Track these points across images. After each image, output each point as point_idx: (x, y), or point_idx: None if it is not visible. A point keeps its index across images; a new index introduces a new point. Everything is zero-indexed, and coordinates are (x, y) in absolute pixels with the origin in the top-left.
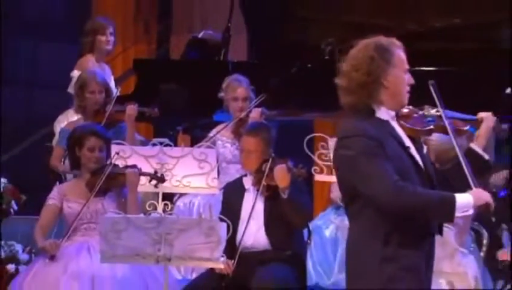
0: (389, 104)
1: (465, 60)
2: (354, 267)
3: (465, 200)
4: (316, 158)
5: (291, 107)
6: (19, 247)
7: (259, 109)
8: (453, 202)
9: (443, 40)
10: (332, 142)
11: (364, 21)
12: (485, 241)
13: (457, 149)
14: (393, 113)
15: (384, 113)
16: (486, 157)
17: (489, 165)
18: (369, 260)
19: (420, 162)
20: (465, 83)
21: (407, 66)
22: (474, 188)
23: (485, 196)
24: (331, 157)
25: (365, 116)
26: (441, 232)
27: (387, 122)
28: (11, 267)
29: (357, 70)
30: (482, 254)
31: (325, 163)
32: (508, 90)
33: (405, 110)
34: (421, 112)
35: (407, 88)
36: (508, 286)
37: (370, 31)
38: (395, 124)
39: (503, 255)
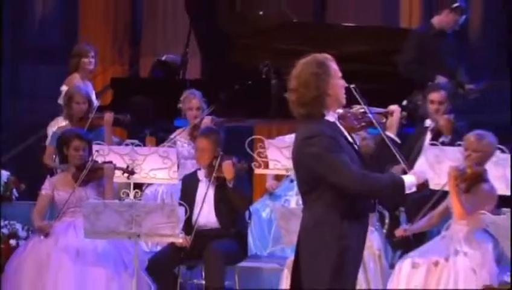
0: (333, 107)
1: (372, 78)
2: (315, 241)
3: (410, 180)
4: (255, 155)
5: (235, 115)
6: (18, 226)
7: (210, 117)
8: (402, 182)
9: (356, 63)
10: (267, 142)
11: (293, 48)
12: (386, 221)
13: (384, 133)
14: (336, 115)
15: (331, 116)
16: (399, 141)
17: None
18: (329, 235)
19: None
20: (372, 96)
21: (340, 74)
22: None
23: (422, 175)
24: (267, 155)
25: (317, 120)
26: (374, 210)
27: (334, 123)
28: (12, 242)
29: (306, 87)
30: (384, 231)
31: (263, 159)
32: (404, 102)
33: (341, 112)
34: (351, 110)
35: (343, 90)
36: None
37: (298, 55)
38: (339, 124)
39: (399, 232)
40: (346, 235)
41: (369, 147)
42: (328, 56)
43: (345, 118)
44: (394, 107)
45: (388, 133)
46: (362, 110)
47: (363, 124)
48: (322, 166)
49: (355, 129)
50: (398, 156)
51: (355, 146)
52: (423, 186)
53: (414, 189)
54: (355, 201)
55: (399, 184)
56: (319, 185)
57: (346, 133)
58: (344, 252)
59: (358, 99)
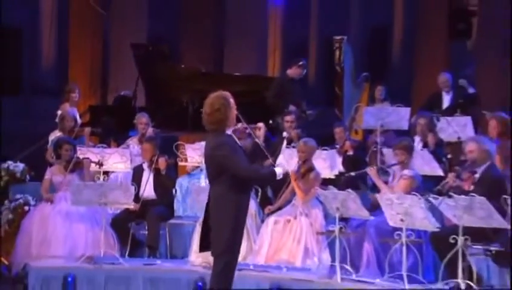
0: (230, 126)
1: (250, 106)
2: (219, 211)
3: (279, 171)
4: (179, 154)
5: (167, 129)
6: (30, 198)
7: (152, 129)
8: (275, 173)
9: (240, 96)
10: (187, 146)
11: (202, 87)
12: (259, 194)
13: (257, 140)
14: (231, 130)
15: (228, 131)
16: (263, 145)
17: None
18: (229, 206)
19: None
20: (250, 117)
21: (235, 106)
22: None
23: (285, 168)
24: (188, 154)
25: (221, 133)
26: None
27: (231, 135)
28: (26, 207)
29: (216, 112)
30: (258, 200)
31: (185, 156)
32: (270, 121)
33: (232, 128)
34: (238, 127)
35: (235, 116)
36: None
37: (206, 92)
38: (233, 136)
39: (266, 210)
40: (239, 204)
41: (248, 148)
42: (229, 94)
43: (235, 132)
44: (261, 124)
45: (258, 140)
46: (244, 126)
47: (244, 135)
48: (227, 163)
49: (241, 139)
50: (267, 154)
51: (242, 149)
52: (287, 174)
53: (281, 177)
54: (245, 183)
55: (273, 174)
56: (222, 173)
57: (237, 141)
58: (239, 214)
59: (242, 120)
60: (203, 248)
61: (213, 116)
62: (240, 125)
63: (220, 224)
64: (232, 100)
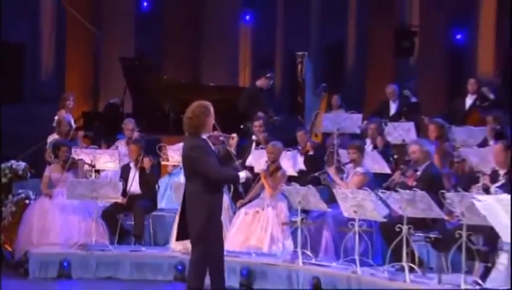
0: (206, 131)
1: (224, 113)
2: (194, 208)
3: (242, 175)
4: (161, 155)
5: (151, 132)
6: (30, 193)
7: (138, 133)
8: (239, 177)
9: (216, 105)
10: (168, 147)
11: (182, 96)
12: (231, 189)
13: (228, 148)
14: (206, 135)
15: (204, 136)
16: (235, 153)
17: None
18: (204, 203)
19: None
20: (224, 123)
21: (214, 115)
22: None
23: (248, 173)
24: (169, 155)
25: (198, 137)
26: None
27: (205, 140)
28: (27, 201)
29: (196, 118)
30: (230, 194)
31: (166, 157)
32: (242, 126)
33: (208, 134)
34: (213, 134)
35: (212, 124)
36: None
37: (186, 101)
38: (208, 141)
39: (239, 203)
40: (212, 200)
41: (220, 153)
42: (210, 104)
43: (210, 138)
44: (234, 135)
45: (229, 148)
46: (219, 134)
47: (218, 141)
48: (199, 164)
49: (215, 144)
50: (236, 160)
51: (215, 153)
52: (249, 179)
53: (244, 180)
54: (217, 183)
55: (236, 178)
56: (197, 173)
57: (211, 146)
58: (211, 209)
59: (217, 128)
60: (179, 237)
61: (192, 121)
62: (216, 132)
63: (195, 217)
64: (212, 109)
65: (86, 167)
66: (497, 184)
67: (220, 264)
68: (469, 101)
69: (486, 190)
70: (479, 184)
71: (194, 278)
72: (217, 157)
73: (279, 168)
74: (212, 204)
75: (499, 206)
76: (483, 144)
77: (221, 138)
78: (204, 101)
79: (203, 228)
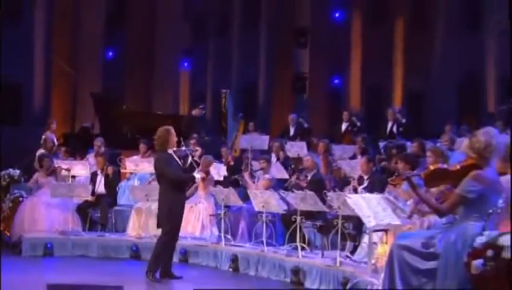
0: (170, 147)
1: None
2: (166, 204)
3: (197, 176)
4: (121, 164)
5: (115, 147)
6: (23, 192)
7: (104, 148)
8: (194, 177)
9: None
10: (127, 160)
11: (139, 121)
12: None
13: (190, 158)
14: (172, 150)
15: (169, 150)
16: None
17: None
18: (174, 200)
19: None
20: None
21: (175, 135)
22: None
23: (203, 174)
24: (126, 164)
25: (164, 151)
26: (185, 189)
27: (171, 154)
28: (21, 199)
29: (162, 137)
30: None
31: (125, 166)
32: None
33: (173, 149)
34: (176, 149)
35: (174, 141)
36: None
37: (142, 125)
38: (173, 154)
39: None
40: (176, 198)
41: (186, 162)
42: (172, 128)
43: (176, 152)
44: (199, 148)
45: (190, 158)
46: (184, 148)
47: (183, 153)
48: (163, 169)
49: (180, 157)
50: (195, 166)
51: (178, 162)
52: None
53: (199, 181)
54: (179, 184)
55: (192, 178)
56: (164, 177)
57: (176, 158)
58: (177, 205)
59: (183, 144)
60: (158, 226)
61: (159, 140)
62: (183, 148)
63: (163, 212)
64: (173, 131)
65: (64, 171)
66: (362, 186)
67: (173, 245)
68: (344, 126)
69: (355, 190)
70: (350, 186)
71: (161, 250)
72: (180, 166)
73: (208, 174)
74: (176, 201)
75: (363, 202)
76: (353, 157)
77: (186, 151)
78: (166, 126)
79: (169, 221)
